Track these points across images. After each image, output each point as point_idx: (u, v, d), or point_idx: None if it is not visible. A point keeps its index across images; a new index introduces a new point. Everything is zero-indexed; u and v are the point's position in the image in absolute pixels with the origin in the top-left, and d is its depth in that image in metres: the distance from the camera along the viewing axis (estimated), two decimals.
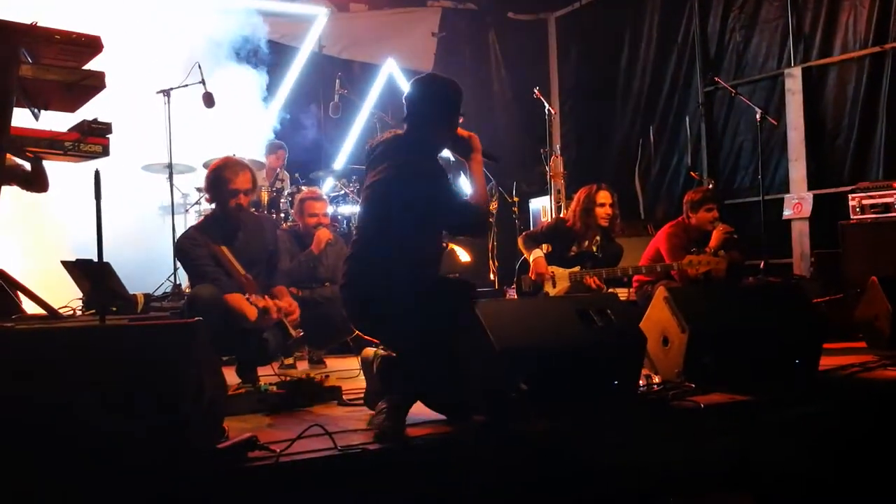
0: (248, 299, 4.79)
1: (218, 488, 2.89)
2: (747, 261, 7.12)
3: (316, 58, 10.84)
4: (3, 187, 5.19)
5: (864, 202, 7.31)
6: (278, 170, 8.68)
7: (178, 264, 6.69)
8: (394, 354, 3.96)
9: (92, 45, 5.08)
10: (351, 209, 8.50)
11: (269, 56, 10.31)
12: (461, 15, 12.21)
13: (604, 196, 6.31)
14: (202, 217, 5.00)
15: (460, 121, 4.09)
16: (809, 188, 9.06)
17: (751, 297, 5.42)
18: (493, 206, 9.01)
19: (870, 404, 4.46)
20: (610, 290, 6.11)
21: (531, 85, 10.03)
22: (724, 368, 4.46)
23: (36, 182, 5.39)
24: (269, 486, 2.96)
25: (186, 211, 8.49)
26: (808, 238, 8.79)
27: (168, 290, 7.56)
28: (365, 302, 3.93)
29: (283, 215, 7.89)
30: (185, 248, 4.97)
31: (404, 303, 3.73)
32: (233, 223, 4.96)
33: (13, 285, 5.06)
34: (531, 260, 6.20)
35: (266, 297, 4.89)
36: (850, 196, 7.49)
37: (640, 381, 4.38)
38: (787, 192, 9.21)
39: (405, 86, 11.27)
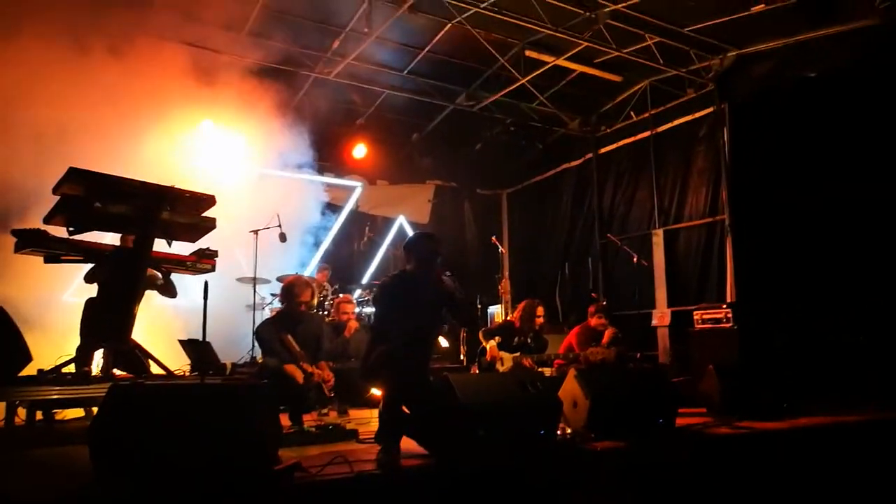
0: (300, 367, 4.70)
1: (274, 497, 2.79)
2: (628, 352, 7.06)
3: (354, 213, 10.98)
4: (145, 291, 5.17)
5: (704, 316, 7.32)
6: (324, 283, 8.65)
7: (256, 343, 6.59)
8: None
9: (208, 201, 5.15)
10: (371, 310, 8.44)
11: (325, 209, 10.46)
12: (447, 189, 12.40)
13: (539, 310, 6.33)
14: (274, 312, 4.98)
15: (438, 261, 4.09)
16: (669, 306, 9.08)
17: (631, 376, 5.37)
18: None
19: (708, 449, 4.38)
20: (539, 369, 6.02)
21: (490, 234, 10.17)
22: (613, 423, 4.38)
23: (167, 290, 5.35)
24: (308, 497, 2.86)
25: (262, 308, 8.41)
26: (668, 338, 8.76)
27: (247, 360, 7.43)
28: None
29: (325, 312, 7.83)
30: (261, 333, 4.92)
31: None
32: (296, 319, 4.91)
33: (145, 353, 4.96)
34: (488, 347, 6.13)
35: (312, 366, 4.81)
36: (694, 312, 7.51)
37: (559, 431, 4.29)
38: (654, 307, 9.22)
39: (410, 232, 11.46)
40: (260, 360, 5.65)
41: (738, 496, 3.98)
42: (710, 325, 7.21)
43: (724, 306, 7.22)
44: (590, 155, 10.96)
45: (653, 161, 9.72)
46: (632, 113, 10.14)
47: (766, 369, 5.94)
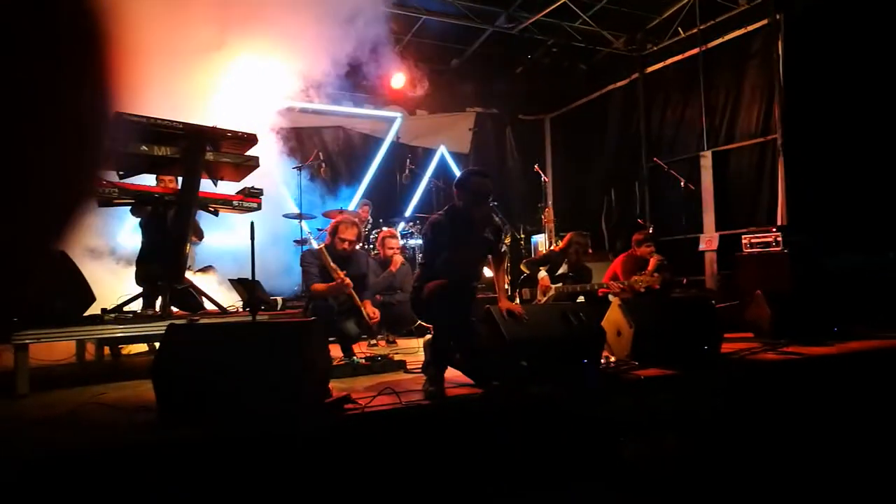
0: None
1: (326, 429, 2.92)
2: (674, 278, 7.01)
3: (394, 145, 10.92)
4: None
5: (753, 241, 7.18)
6: (368, 217, 8.71)
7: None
8: None
9: (251, 140, 5.20)
10: (415, 242, 8.52)
11: (364, 143, 10.47)
12: (488, 116, 12.21)
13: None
14: (324, 243, 5.13)
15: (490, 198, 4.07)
16: (716, 230, 8.93)
17: (676, 304, 5.38)
18: (507, 240, 8.92)
19: (755, 375, 4.39)
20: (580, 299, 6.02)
21: (532, 162, 10.03)
22: (657, 351, 4.42)
23: (194, 232, 5.50)
24: (358, 428, 2.99)
25: (309, 243, 8.56)
26: (716, 263, 8.66)
27: (298, 292, 7.68)
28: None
29: (370, 246, 7.92)
30: (302, 259, 5.08)
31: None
32: (339, 258, 4.98)
33: (199, 292, 5.16)
34: (540, 277, 6.09)
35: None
36: (743, 237, 7.37)
37: (602, 360, 4.35)
38: (702, 232, 9.08)
39: (451, 163, 11.41)
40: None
41: (786, 423, 4.00)
42: (758, 250, 7.07)
43: (774, 229, 7.05)
44: (636, 75, 10.60)
45: (702, 79, 9.36)
46: (680, 29, 9.72)
47: (816, 293, 5.85)
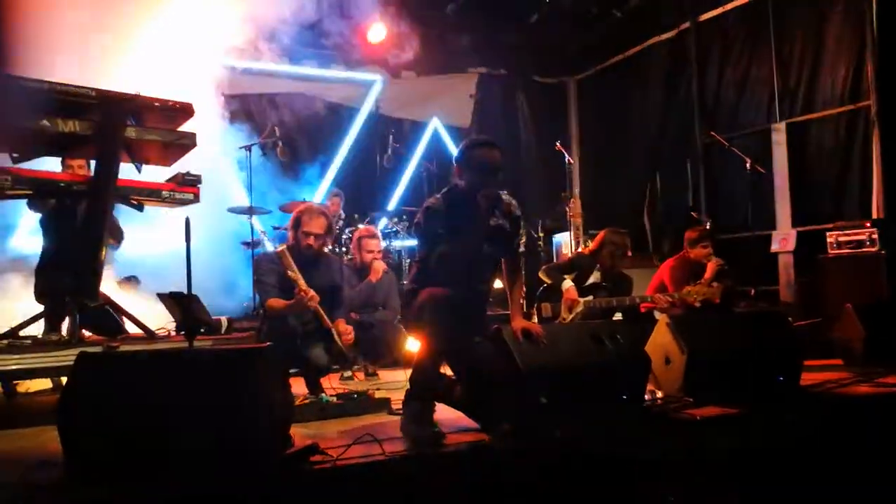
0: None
1: (286, 489, 2.91)
2: (739, 288, 7.02)
3: (373, 117, 10.91)
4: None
5: (841, 239, 7.21)
6: (338, 212, 8.71)
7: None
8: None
9: (185, 111, 5.19)
10: (401, 244, 8.53)
11: (333, 115, 10.49)
12: (494, 79, 12.23)
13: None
14: (285, 244, 5.10)
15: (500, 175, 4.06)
16: (794, 225, 8.95)
17: (741, 322, 5.38)
18: (522, 240, 8.91)
19: (844, 413, 4.39)
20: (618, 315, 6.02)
21: (553, 138, 10.04)
22: (716, 384, 4.42)
23: (112, 233, 5.49)
24: (328, 487, 2.97)
25: (262, 246, 8.56)
26: (793, 269, 8.67)
27: (249, 310, 7.67)
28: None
29: (343, 249, 7.93)
30: (257, 263, 5.08)
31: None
32: (304, 259, 4.97)
33: (118, 310, 5.14)
34: (564, 288, 6.08)
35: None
36: (827, 234, 7.38)
37: (646, 396, 4.35)
38: (774, 228, 9.10)
39: (448, 140, 11.42)
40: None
41: (887, 477, 4.00)
42: (848, 251, 7.10)
43: (868, 224, 7.07)
44: (686, 24, 10.64)
45: (772, 29, 9.39)
46: None
47: None
